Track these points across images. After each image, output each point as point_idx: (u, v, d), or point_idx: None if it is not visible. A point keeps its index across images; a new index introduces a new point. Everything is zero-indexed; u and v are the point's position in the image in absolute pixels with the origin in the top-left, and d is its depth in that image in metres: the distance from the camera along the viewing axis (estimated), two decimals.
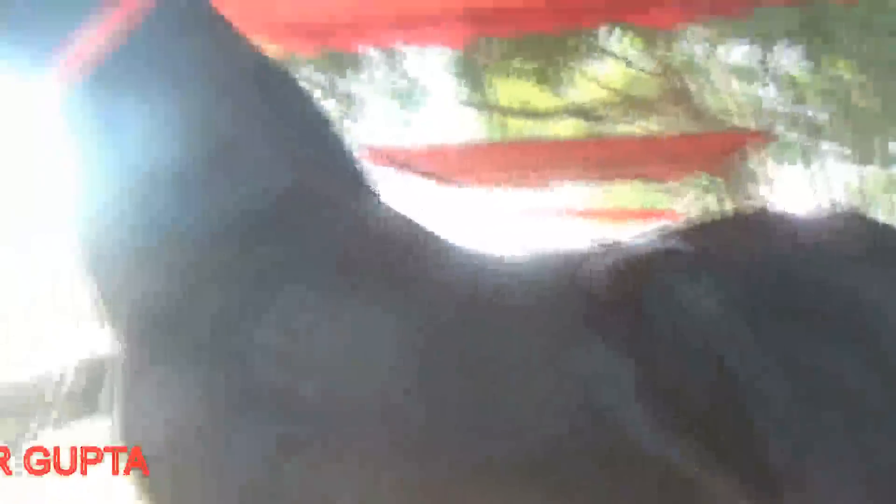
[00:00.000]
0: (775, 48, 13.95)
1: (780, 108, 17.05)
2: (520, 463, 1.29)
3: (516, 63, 12.95)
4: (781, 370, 1.18)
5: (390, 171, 5.72)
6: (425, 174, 5.96)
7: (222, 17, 1.71)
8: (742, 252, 1.32)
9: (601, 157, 5.29)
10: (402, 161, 5.73)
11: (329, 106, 13.90)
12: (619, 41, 13.66)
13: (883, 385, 1.14)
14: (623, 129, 14.66)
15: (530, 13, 3.23)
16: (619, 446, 1.25)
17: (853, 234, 1.34)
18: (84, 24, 1.45)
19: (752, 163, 14.39)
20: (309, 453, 1.31)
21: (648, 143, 5.57)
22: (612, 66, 16.33)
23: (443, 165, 5.66)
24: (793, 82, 15.03)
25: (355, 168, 1.75)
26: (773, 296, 1.23)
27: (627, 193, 16.29)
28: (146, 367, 1.38)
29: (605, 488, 1.28)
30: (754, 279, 1.26)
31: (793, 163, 19.00)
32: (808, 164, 14.09)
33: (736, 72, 15.30)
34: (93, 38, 1.44)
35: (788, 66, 14.68)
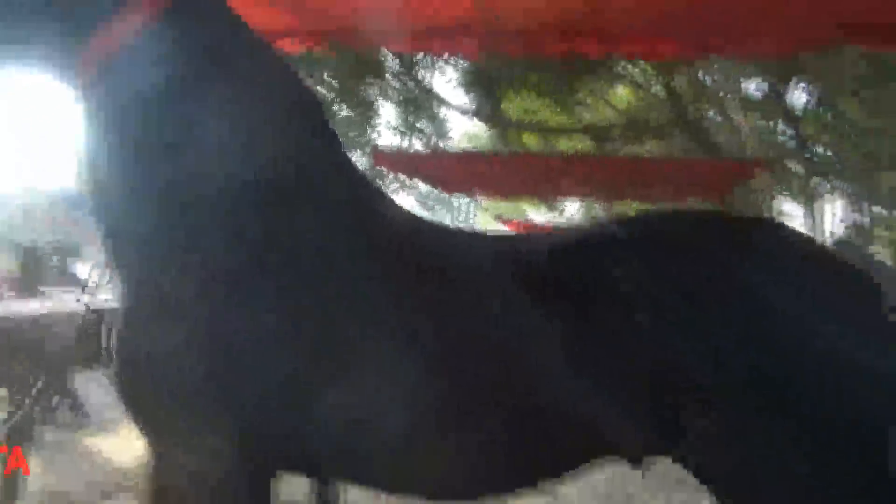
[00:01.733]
0: (789, 84, 14.19)
1: (787, 143, 17.24)
2: (461, 399, 1.45)
3: (531, 78, 13.16)
4: (704, 346, 1.35)
5: (398, 175, 5.82)
6: (432, 180, 6.06)
7: (237, 16, 1.83)
8: (665, 241, 1.52)
9: (606, 175, 5.40)
10: (410, 166, 5.82)
11: (342, 109, 14.11)
12: (633, 63, 13.85)
13: (784, 377, 1.31)
14: (630, 150, 14.84)
15: (541, 36, 3.33)
16: (549, 394, 1.42)
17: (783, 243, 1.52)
18: (113, 14, 1.58)
19: (755, 193, 14.50)
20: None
21: (653, 166, 5.65)
22: (623, 89, 16.57)
23: (450, 173, 5.75)
24: (802, 118, 15.22)
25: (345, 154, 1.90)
26: (703, 286, 1.41)
27: (629, 214, 16.43)
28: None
29: (533, 428, 1.45)
30: (688, 268, 1.44)
31: (795, 197, 19.15)
32: (809, 199, 14.19)
33: (747, 104, 15.52)
34: (120, 28, 1.56)
35: (799, 103, 14.93)
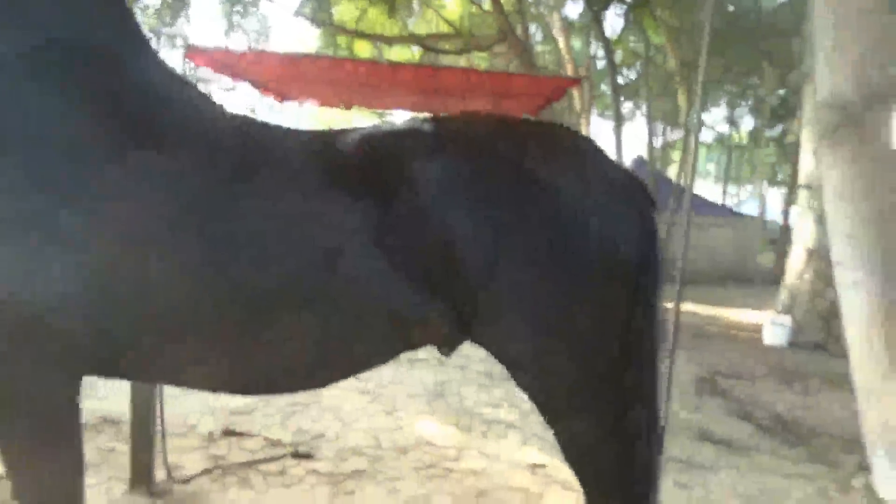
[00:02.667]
0: (607, 11, 15.02)
1: (600, 65, 18.41)
2: (265, 290, 1.45)
3: None
4: (486, 234, 1.49)
5: (213, 74, 5.40)
6: (251, 81, 5.71)
7: None
8: (469, 137, 1.64)
9: (431, 84, 5.43)
10: (227, 64, 5.40)
11: None
12: None
13: (560, 248, 1.51)
14: (456, 61, 15.03)
15: None
16: (350, 283, 1.48)
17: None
18: None
19: (570, 112, 15.44)
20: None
21: (477, 78, 5.77)
22: (456, 2, 16.55)
23: (271, 74, 5.45)
24: (615, 42, 16.27)
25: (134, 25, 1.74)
26: (485, 174, 1.55)
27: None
28: None
29: (335, 318, 1.50)
30: (473, 159, 1.57)
31: (606, 117, 20.73)
32: (619, 120, 15.43)
33: (570, 26, 16.25)
34: None
35: (615, 28, 15.93)
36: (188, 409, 3.88)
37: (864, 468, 3.48)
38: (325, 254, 1.49)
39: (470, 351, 1.79)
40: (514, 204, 1.54)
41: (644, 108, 17.93)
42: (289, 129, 1.78)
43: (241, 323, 1.48)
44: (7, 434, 1.47)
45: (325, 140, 1.68)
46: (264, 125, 1.74)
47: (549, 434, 1.74)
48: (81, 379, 1.54)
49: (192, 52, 4.94)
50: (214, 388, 1.71)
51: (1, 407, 1.45)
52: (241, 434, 3.59)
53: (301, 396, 4.35)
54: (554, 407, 1.69)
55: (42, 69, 1.49)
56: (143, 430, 2.85)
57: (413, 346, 1.71)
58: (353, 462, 3.31)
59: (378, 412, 4.18)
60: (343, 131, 1.74)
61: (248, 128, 1.69)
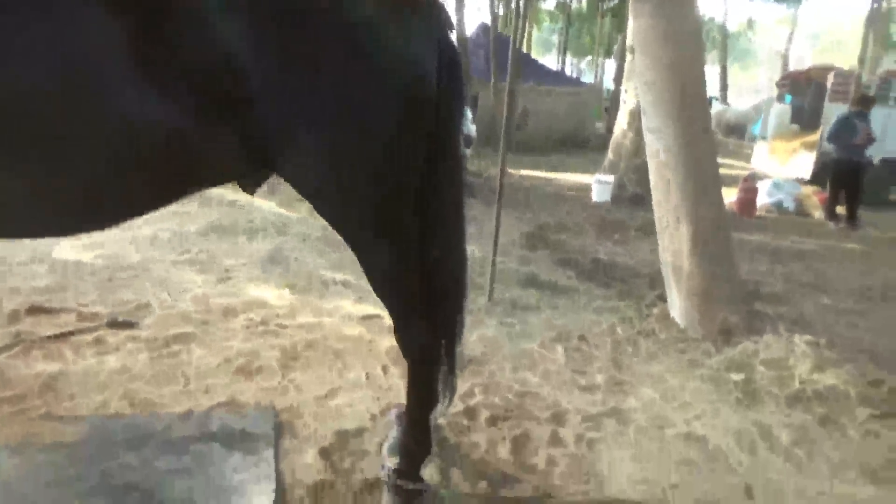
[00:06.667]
0: None
1: None
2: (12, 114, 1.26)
3: None
4: (273, 52, 1.37)
5: None
6: None
7: None
8: None
9: None
10: None
11: None
12: None
13: (345, 63, 1.41)
14: None
15: None
16: (116, 105, 1.30)
17: None
18: None
19: None
20: None
21: None
22: None
23: None
24: None
25: None
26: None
27: None
28: None
29: (100, 146, 1.34)
30: None
31: None
32: None
33: None
34: None
35: None
36: None
37: (662, 298, 3.95)
38: (79, 73, 1.29)
39: (312, 221, 1.72)
40: (301, 16, 1.41)
41: None
42: None
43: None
44: None
45: None
46: None
47: None
48: None
49: None
50: None
51: None
52: (50, 311, 3.31)
53: (123, 270, 4.07)
54: (354, 235, 1.68)
55: None
56: None
57: (205, 180, 1.58)
58: (180, 327, 3.18)
59: (210, 281, 4.02)
60: None
61: None
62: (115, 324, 3.12)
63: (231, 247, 4.87)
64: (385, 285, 1.75)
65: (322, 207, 1.64)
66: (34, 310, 3.28)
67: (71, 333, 3.01)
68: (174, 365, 2.78)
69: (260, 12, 1.38)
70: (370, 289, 1.80)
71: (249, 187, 1.79)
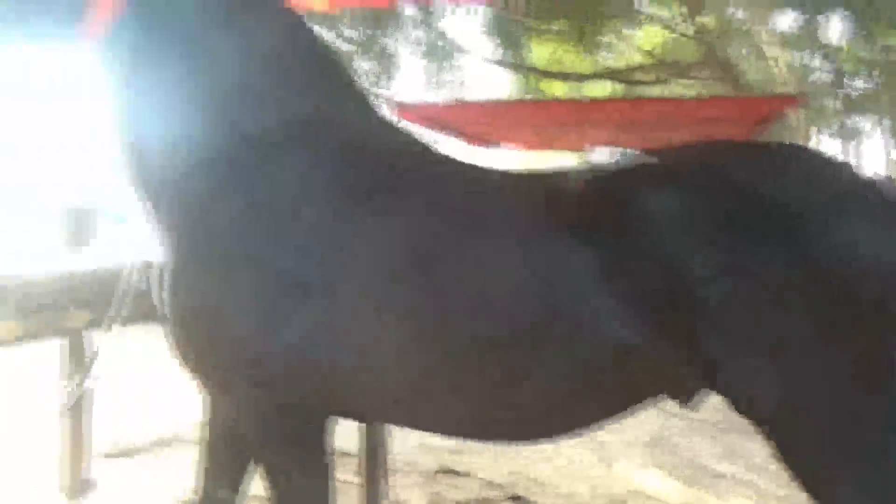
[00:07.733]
0: (823, 16, 13.56)
1: (823, 78, 16.58)
2: (490, 339, 1.46)
3: (554, 24, 12.78)
4: (727, 270, 1.37)
5: (421, 128, 5.78)
6: (456, 132, 6.00)
7: None
8: (702, 168, 1.52)
9: (633, 118, 5.29)
10: (433, 118, 5.75)
11: (364, 63, 13.93)
12: (658, 3, 13.34)
13: (806, 278, 1.34)
14: (657, 91, 14.45)
15: None
16: (578, 325, 1.43)
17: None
18: None
19: (790, 131, 14.07)
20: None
21: (682, 106, 5.51)
22: (649, 30, 16.05)
23: (474, 123, 5.69)
24: (839, 52, 14.58)
25: (362, 95, 1.89)
26: (722, 206, 1.42)
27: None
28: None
29: (562, 363, 1.45)
30: (708, 190, 1.45)
31: (832, 133, 18.51)
32: (848, 136, 13.73)
33: (780, 39, 14.90)
34: None
35: (835, 36, 14.28)
36: (409, 446, 4.05)
37: None
38: (550, 297, 1.46)
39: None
40: (754, 236, 1.40)
41: (882, 121, 15.76)
42: (506, 172, 1.81)
43: (469, 367, 1.50)
44: (272, 470, 1.63)
45: (545, 181, 1.68)
46: (482, 169, 1.78)
47: (789, 491, 1.51)
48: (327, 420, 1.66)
49: (401, 108, 5.34)
50: (446, 432, 1.75)
51: (265, 447, 1.62)
52: (457, 473, 3.66)
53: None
54: (811, 470, 1.45)
55: (293, 143, 1.66)
56: (373, 466, 3.02)
57: (644, 394, 1.61)
58: None
59: (594, 460, 4.02)
60: (562, 171, 1.73)
61: (469, 173, 1.74)
62: (515, 498, 3.30)
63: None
64: None
65: (770, 432, 1.49)
66: (445, 471, 3.67)
67: (478, 501, 3.26)
68: None
69: (713, 235, 1.41)
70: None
71: (684, 400, 1.76)
